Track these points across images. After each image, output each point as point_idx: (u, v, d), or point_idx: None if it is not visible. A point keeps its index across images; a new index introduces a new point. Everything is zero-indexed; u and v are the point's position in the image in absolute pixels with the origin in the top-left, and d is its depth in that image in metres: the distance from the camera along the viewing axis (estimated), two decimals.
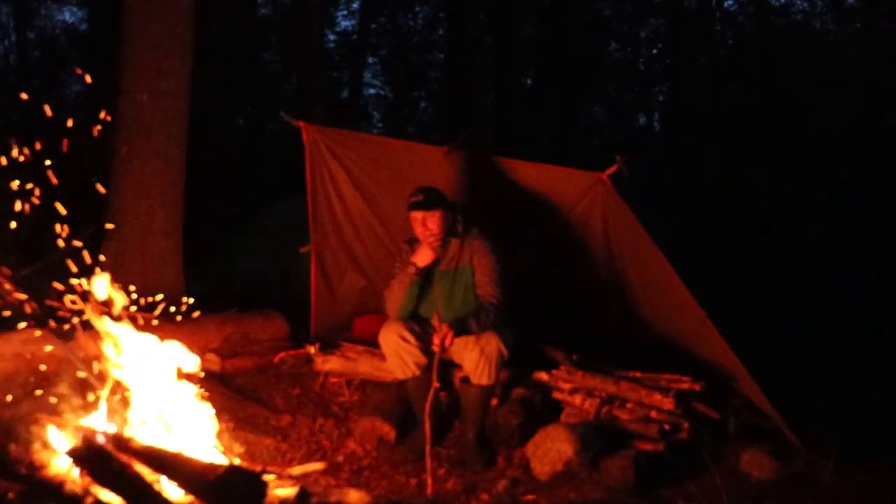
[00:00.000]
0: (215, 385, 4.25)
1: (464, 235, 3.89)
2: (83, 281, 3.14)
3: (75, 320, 3.20)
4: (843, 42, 16.50)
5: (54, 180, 3.42)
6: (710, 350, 3.95)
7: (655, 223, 4.22)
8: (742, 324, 4.46)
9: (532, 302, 4.38)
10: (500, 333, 3.69)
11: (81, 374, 3.14)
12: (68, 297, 3.20)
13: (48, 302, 3.29)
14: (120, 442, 2.70)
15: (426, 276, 3.89)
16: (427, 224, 3.80)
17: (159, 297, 4.02)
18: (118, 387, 3.02)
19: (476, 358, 3.67)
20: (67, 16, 17.85)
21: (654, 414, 3.69)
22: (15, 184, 3.47)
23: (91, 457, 2.61)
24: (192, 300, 4.39)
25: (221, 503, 2.44)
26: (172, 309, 4.17)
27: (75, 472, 2.60)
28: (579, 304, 4.51)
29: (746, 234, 9.07)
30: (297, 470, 3.18)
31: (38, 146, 3.44)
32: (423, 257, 3.82)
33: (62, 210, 3.50)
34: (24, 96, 4.08)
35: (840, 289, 6.80)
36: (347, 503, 2.44)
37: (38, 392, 3.39)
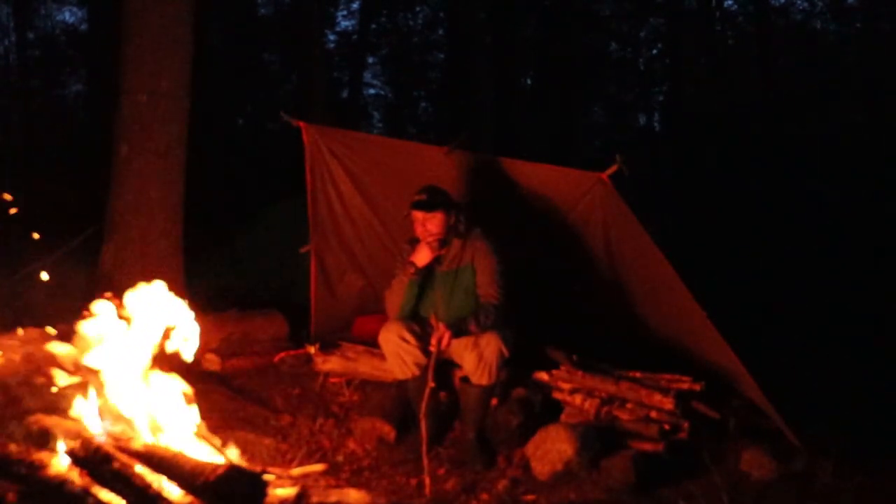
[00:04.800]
0: (215, 385, 4.25)
1: (466, 236, 3.89)
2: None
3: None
4: (843, 42, 16.49)
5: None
6: (711, 350, 3.95)
7: (655, 223, 4.22)
8: (742, 324, 4.46)
9: (532, 302, 4.38)
10: (501, 333, 3.69)
11: (81, 373, 3.14)
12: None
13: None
14: (120, 442, 2.70)
15: (426, 276, 3.89)
16: (426, 225, 3.80)
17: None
18: (118, 387, 3.02)
19: (476, 358, 3.67)
20: (67, 16, 17.86)
21: (654, 414, 3.69)
22: None
23: (91, 457, 2.61)
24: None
25: (221, 503, 2.44)
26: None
27: (75, 472, 2.59)
28: (579, 304, 4.51)
29: (746, 233, 9.05)
30: (297, 471, 3.18)
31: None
32: (421, 257, 3.82)
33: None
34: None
35: (840, 288, 6.80)
36: (347, 503, 2.44)
37: (38, 392, 3.39)
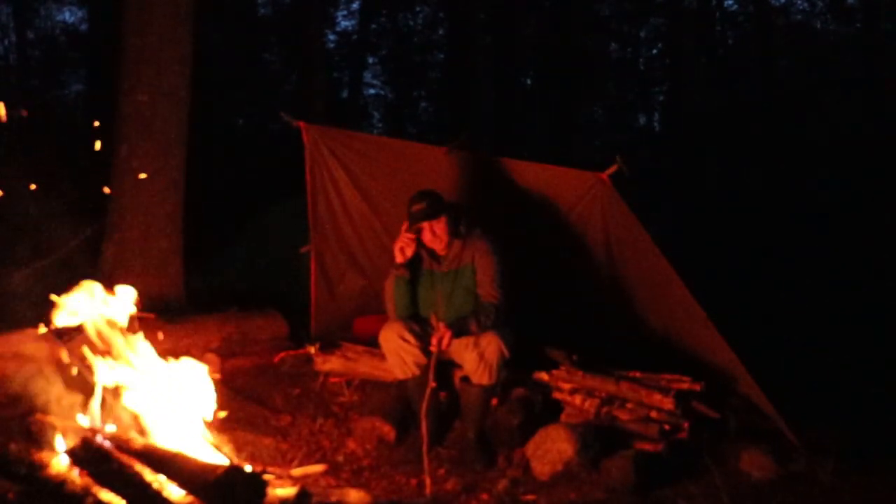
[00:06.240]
0: (215, 385, 4.25)
1: (466, 236, 3.89)
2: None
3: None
4: (843, 42, 16.49)
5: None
6: (711, 350, 3.95)
7: (655, 223, 4.22)
8: (742, 324, 4.46)
9: (532, 302, 4.38)
10: (501, 333, 3.69)
11: (81, 373, 3.14)
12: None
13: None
14: (120, 442, 2.70)
15: (427, 277, 3.89)
16: (435, 230, 3.80)
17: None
18: (118, 386, 3.02)
19: (476, 358, 3.67)
20: (67, 16, 17.84)
21: (654, 414, 3.69)
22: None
23: (91, 457, 2.61)
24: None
25: (221, 503, 2.44)
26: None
27: (75, 472, 2.60)
28: (579, 304, 4.51)
29: (746, 234, 9.06)
30: (297, 471, 3.18)
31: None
32: (402, 254, 3.82)
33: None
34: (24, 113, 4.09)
35: (840, 288, 6.80)
36: (347, 503, 2.44)
37: (38, 392, 3.39)
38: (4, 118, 3.20)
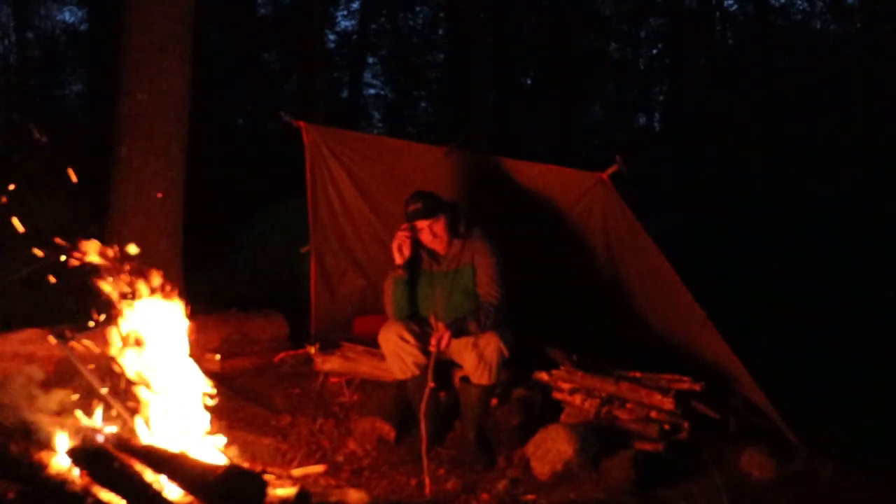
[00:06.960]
0: (215, 385, 4.25)
1: (466, 236, 3.88)
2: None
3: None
4: (843, 42, 16.50)
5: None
6: (710, 350, 3.95)
7: (655, 223, 4.22)
8: (742, 324, 4.46)
9: (532, 302, 4.38)
10: (501, 333, 3.69)
11: (82, 373, 3.14)
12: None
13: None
14: (120, 442, 2.70)
15: (427, 277, 3.89)
16: (434, 229, 3.80)
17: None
18: (118, 386, 3.02)
19: (476, 358, 3.67)
20: (67, 16, 17.88)
21: (654, 414, 3.69)
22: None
23: (91, 457, 2.61)
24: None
25: (221, 503, 2.44)
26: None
27: (75, 472, 2.60)
28: (579, 304, 4.51)
29: (746, 233, 9.06)
30: (297, 471, 3.18)
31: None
32: (399, 254, 3.82)
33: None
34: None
35: (840, 288, 6.80)
36: (347, 503, 2.44)
37: (38, 392, 3.40)
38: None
